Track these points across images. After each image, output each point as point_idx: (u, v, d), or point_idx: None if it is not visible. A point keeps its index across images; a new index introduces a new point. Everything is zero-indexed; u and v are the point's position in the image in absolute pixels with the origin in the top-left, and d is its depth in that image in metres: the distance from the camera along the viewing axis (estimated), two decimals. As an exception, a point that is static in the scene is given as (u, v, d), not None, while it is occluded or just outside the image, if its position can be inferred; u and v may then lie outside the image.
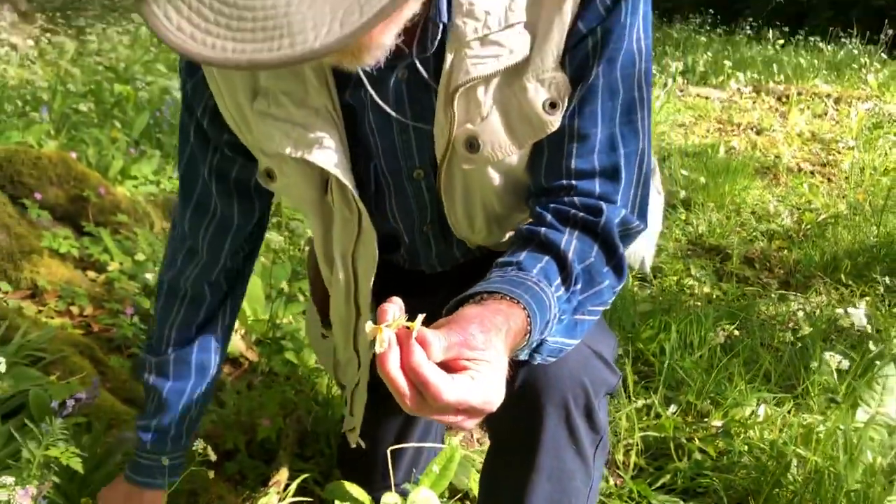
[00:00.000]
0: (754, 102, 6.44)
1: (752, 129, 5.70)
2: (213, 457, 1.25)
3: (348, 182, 1.04)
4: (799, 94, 6.39)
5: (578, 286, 0.96)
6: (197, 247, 1.26)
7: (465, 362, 0.75)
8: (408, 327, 0.72)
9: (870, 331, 2.01)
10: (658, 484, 1.78)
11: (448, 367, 0.74)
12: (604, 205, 0.99)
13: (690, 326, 2.35)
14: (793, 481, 1.65)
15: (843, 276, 2.92)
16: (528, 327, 0.84)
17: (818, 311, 2.53)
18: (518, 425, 1.08)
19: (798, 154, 5.05)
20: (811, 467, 1.65)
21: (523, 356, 0.91)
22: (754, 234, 3.48)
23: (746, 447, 1.86)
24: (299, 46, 0.65)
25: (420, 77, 0.99)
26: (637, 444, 1.89)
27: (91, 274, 2.27)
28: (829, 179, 4.53)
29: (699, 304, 2.66)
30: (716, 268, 3.12)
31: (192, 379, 1.33)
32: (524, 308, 0.84)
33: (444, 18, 0.93)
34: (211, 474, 1.32)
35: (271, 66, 0.66)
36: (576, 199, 1.00)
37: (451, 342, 0.74)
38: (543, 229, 0.98)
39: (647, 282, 2.95)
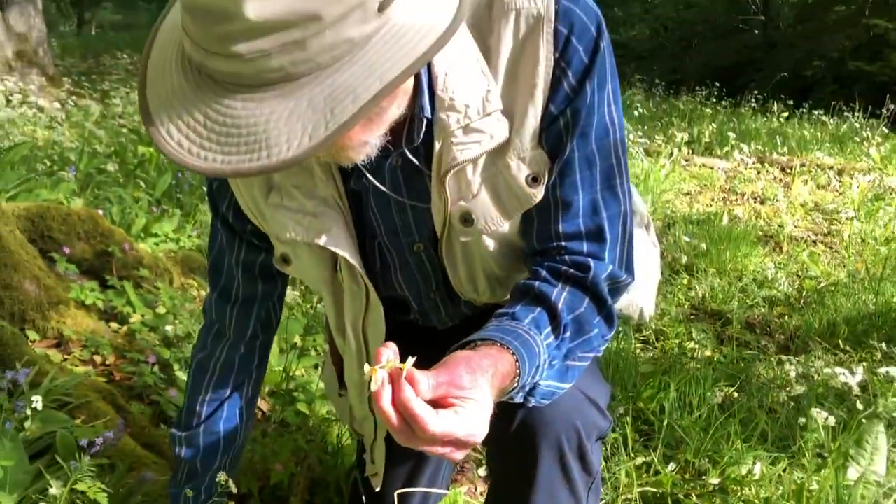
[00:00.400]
0: (758, 173, 6.57)
1: (755, 199, 5.82)
2: (233, 489, 1.34)
3: (355, 262, 1.16)
4: (802, 165, 6.53)
5: (568, 334, 1.06)
6: (224, 329, 1.39)
7: (453, 400, 0.85)
8: (400, 368, 0.82)
9: (857, 391, 2.08)
10: (655, 537, 1.84)
11: (437, 404, 0.84)
12: (591, 262, 1.10)
13: (690, 387, 2.43)
14: (785, 536, 1.71)
15: (840, 342, 2.99)
16: (517, 370, 0.94)
17: (816, 375, 2.59)
18: (514, 464, 1.17)
19: (801, 223, 5.15)
20: (803, 522, 1.71)
21: (518, 399, 1.01)
22: (756, 300, 3.56)
23: (742, 504, 1.92)
24: (275, 157, 0.79)
25: (412, 164, 1.10)
26: (636, 500, 1.95)
27: (114, 325, 2.38)
28: (831, 248, 4.63)
29: (699, 366, 2.73)
30: (717, 332, 3.19)
31: (221, 448, 1.43)
32: (513, 353, 0.94)
33: (428, 114, 1.05)
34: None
35: (252, 174, 0.81)
36: (566, 257, 1.11)
37: (439, 381, 0.85)
38: (538, 283, 1.08)
39: (650, 344, 3.02)
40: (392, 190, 1.14)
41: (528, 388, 1.00)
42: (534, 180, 1.08)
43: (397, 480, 1.62)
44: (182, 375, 2.09)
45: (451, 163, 1.05)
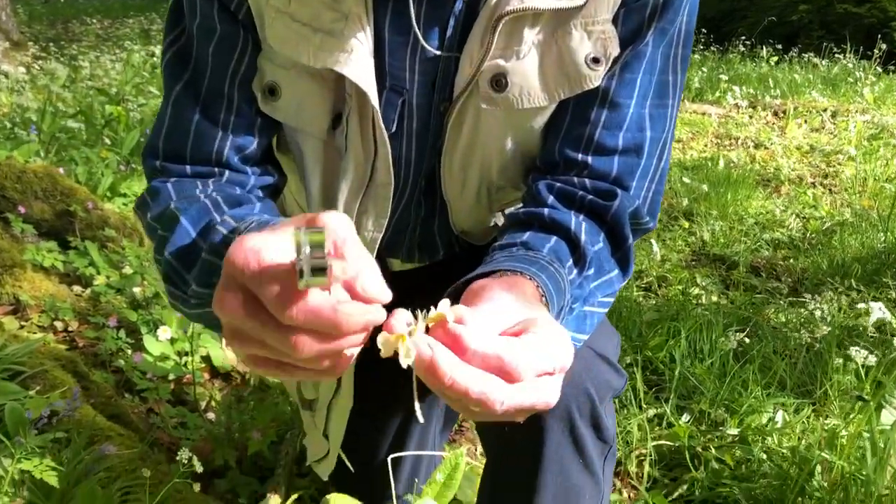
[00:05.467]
0: (751, 117, 6.39)
1: (750, 143, 5.65)
2: (198, 468, 1.15)
3: (377, 103, 0.88)
4: (795, 108, 6.35)
5: (591, 271, 0.87)
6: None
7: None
8: (437, 319, 0.59)
9: (895, 324, 1.92)
10: (675, 495, 1.69)
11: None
12: (618, 190, 0.91)
13: (700, 333, 2.27)
14: (818, 488, 1.56)
15: (853, 282, 2.84)
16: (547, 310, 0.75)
17: (830, 317, 2.45)
18: (516, 442, 0.97)
19: (797, 166, 5.00)
20: (837, 473, 1.56)
21: None
22: (759, 243, 3.41)
23: (765, 455, 1.77)
24: None
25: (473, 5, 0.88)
26: (650, 455, 1.79)
27: (77, 288, 2.19)
28: (831, 190, 4.48)
29: (707, 312, 2.58)
30: (722, 277, 3.04)
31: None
32: (538, 287, 0.74)
33: None
34: (196, 487, 1.22)
35: None
36: (587, 181, 0.92)
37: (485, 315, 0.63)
38: (546, 210, 0.89)
39: (652, 291, 2.87)
40: (439, 34, 0.90)
41: None
42: (594, 61, 0.88)
43: (383, 445, 1.45)
44: (151, 339, 1.91)
45: (516, 5, 0.83)
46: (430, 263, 1.18)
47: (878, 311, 1.83)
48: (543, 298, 0.73)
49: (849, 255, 3.13)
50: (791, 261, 3.24)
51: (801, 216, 3.81)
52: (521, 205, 0.97)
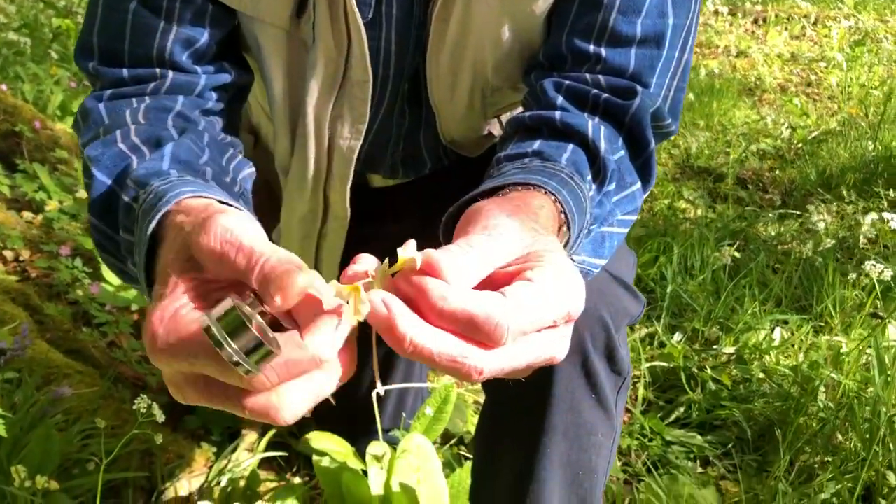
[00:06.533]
0: (731, 24, 6.22)
1: (732, 51, 5.50)
2: (160, 418, 1.04)
3: None
4: (776, 15, 6.18)
5: (612, 186, 0.74)
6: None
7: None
8: (393, 275, 0.48)
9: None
10: (671, 418, 1.62)
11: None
12: (637, 87, 0.77)
13: (690, 249, 2.18)
14: (823, 408, 1.49)
15: (844, 192, 2.76)
16: (568, 236, 0.62)
17: (825, 229, 2.36)
18: (520, 383, 0.86)
19: (779, 75, 4.87)
20: (843, 391, 1.49)
21: None
22: (744, 154, 3.30)
23: (763, 374, 1.70)
24: None
25: None
26: (644, 377, 1.72)
27: (27, 214, 2.03)
28: (814, 99, 4.37)
29: (696, 227, 2.48)
30: (708, 189, 2.94)
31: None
32: (556, 202, 0.61)
33: None
34: (158, 439, 1.11)
35: None
36: (601, 77, 0.78)
37: (473, 254, 0.49)
38: (558, 113, 0.75)
39: (638, 206, 2.76)
40: None
41: None
42: None
43: (365, 379, 1.34)
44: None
45: None
46: (416, 178, 1.05)
47: (892, 221, 1.74)
48: (563, 217, 0.61)
49: (837, 165, 3.04)
50: (778, 172, 3.14)
51: (787, 125, 3.70)
52: (521, 109, 0.83)
